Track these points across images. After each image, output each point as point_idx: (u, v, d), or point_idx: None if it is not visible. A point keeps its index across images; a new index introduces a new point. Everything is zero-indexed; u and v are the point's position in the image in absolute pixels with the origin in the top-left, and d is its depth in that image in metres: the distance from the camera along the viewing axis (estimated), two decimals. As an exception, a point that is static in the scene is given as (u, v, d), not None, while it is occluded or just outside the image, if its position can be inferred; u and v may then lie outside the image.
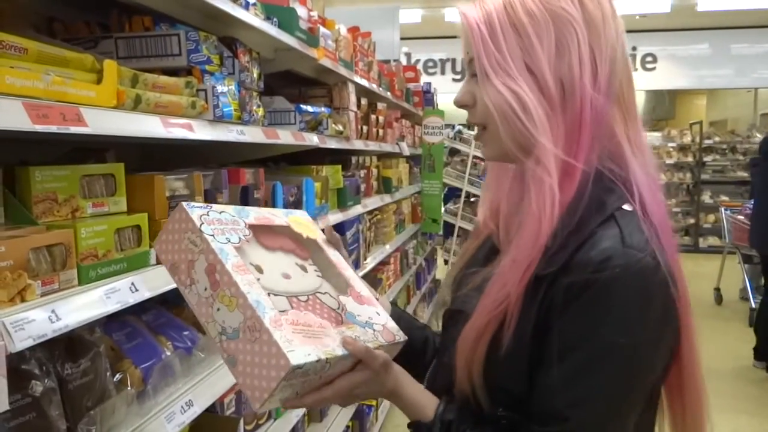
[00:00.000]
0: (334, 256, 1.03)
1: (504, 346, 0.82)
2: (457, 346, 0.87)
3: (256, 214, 0.98)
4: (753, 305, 5.81)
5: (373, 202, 3.29)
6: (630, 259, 0.78)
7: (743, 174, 9.94)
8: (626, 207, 0.84)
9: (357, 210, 2.89)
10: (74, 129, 1.00)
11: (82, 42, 1.46)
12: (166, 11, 1.61)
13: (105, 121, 1.11)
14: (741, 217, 6.04)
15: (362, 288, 1.01)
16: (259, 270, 0.89)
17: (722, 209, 6.52)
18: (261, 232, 0.96)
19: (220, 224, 0.89)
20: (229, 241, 0.87)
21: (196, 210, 0.89)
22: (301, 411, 2.16)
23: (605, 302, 0.78)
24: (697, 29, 10.89)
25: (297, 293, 0.90)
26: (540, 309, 0.81)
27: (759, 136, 8.03)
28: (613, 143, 0.88)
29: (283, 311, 0.84)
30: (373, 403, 3.36)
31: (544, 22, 0.84)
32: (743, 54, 11.07)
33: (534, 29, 0.84)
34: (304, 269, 0.97)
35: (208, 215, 0.90)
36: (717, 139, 10.57)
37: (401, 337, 0.96)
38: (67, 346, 1.17)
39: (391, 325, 0.97)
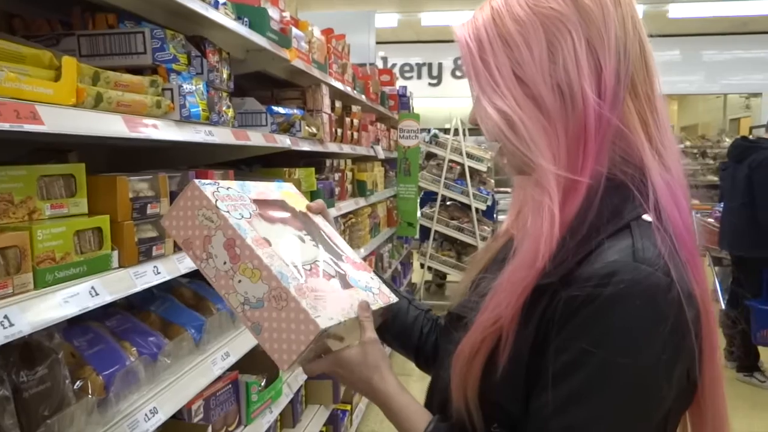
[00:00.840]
0: (325, 226, 1.11)
1: (500, 364, 0.77)
2: (452, 362, 0.82)
3: (255, 189, 1.03)
4: (723, 306, 5.90)
5: (347, 205, 3.26)
6: (638, 274, 0.70)
7: (713, 178, 10.10)
8: (646, 217, 0.77)
9: (331, 213, 2.86)
10: (29, 127, 0.97)
11: (43, 39, 1.42)
12: (131, 9, 1.57)
13: (63, 120, 1.07)
14: (711, 220, 6.13)
15: (354, 255, 1.08)
16: (268, 243, 0.92)
17: (693, 212, 6.61)
18: (261, 207, 1.00)
19: (231, 200, 0.94)
20: (242, 217, 0.92)
21: (207, 187, 0.93)
22: (273, 417, 2.12)
23: (607, 319, 0.70)
24: (668, 36, 11.07)
25: (303, 263, 0.94)
26: (540, 324, 0.76)
27: (728, 141, 8.18)
28: (628, 143, 0.79)
29: (302, 280, 0.89)
30: (347, 407, 3.33)
31: (533, 27, 0.78)
32: (713, 60, 11.29)
33: (522, 36, 0.78)
34: (302, 240, 1.01)
35: (218, 192, 0.94)
36: (688, 143, 10.75)
37: (394, 298, 1.06)
38: (24, 352, 1.12)
39: (384, 288, 1.05)
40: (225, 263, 0.88)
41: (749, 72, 11.18)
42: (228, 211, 0.90)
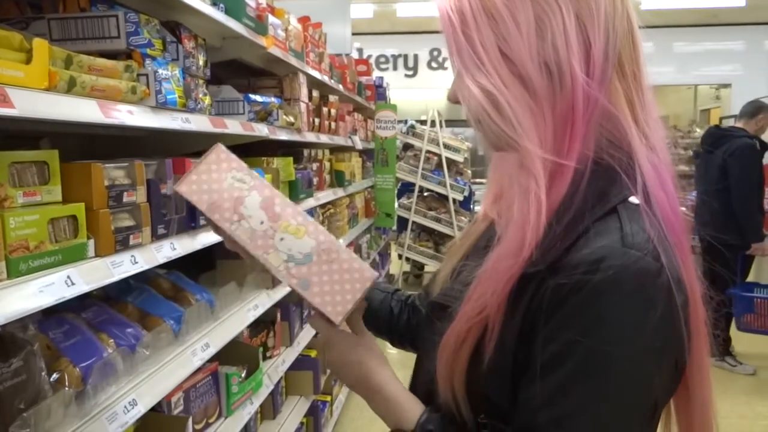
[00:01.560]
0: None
1: (486, 355, 0.74)
2: (438, 353, 0.79)
3: None
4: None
5: (325, 195, 3.24)
6: (627, 259, 0.68)
7: (685, 168, 10.27)
8: (633, 200, 0.75)
9: (309, 203, 2.84)
10: (-1, 110, 0.93)
11: (13, 23, 1.37)
12: (103, -8, 1.53)
13: (35, 104, 1.04)
14: (683, 209, 6.23)
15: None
16: None
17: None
18: None
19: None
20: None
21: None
22: (253, 409, 2.11)
23: (596, 308, 0.68)
24: (640, 27, 11.18)
25: None
26: (526, 313, 0.73)
27: (699, 131, 8.33)
28: (615, 125, 0.77)
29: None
30: (328, 398, 3.32)
31: (520, 0, 0.74)
32: (684, 52, 11.44)
33: (509, 10, 0.73)
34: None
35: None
36: (660, 134, 10.91)
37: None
38: (-3, 344, 1.09)
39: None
40: (262, 223, 0.87)
41: (719, 63, 11.36)
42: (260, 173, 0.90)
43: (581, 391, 0.69)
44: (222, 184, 0.88)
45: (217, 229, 0.90)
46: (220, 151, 0.90)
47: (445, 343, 0.78)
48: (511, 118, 0.74)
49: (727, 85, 11.62)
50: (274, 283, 2.26)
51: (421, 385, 0.91)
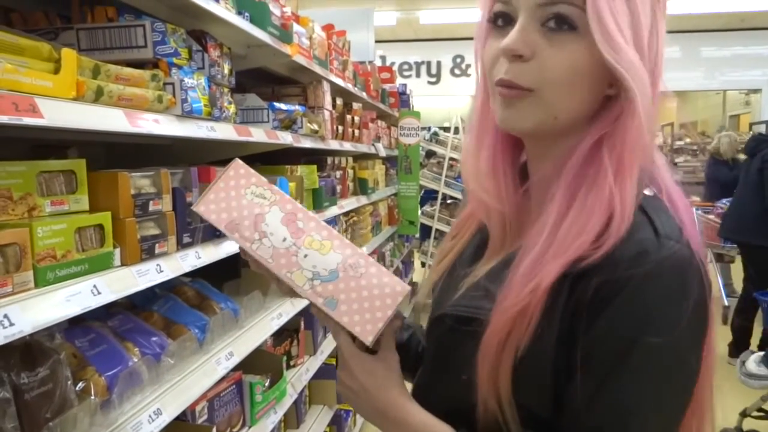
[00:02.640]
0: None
1: (524, 356, 0.72)
2: (478, 359, 0.74)
3: None
4: (726, 303, 5.88)
5: (349, 203, 3.23)
6: (666, 251, 0.68)
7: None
8: (647, 192, 0.75)
9: (333, 211, 2.83)
10: (28, 120, 0.94)
11: (42, 33, 1.38)
12: (130, 3, 1.54)
13: (63, 113, 1.04)
14: (712, 217, 6.12)
15: None
16: None
17: (693, 209, 6.61)
18: None
19: None
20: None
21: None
22: (277, 418, 2.09)
23: (643, 302, 0.67)
24: (667, 32, 11.04)
25: None
26: (564, 314, 0.70)
27: (715, 137, 8.16)
28: None
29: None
30: (351, 408, 3.29)
31: None
32: (712, 57, 11.27)
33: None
34: None
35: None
36: (688, 140, 10.75)
37: None
38: (24, 353, 1.09)
39: None
40: (285, 240, 0.82)
41: (748, 68, 11.16)
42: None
43: (638, 385, 0.68)
44: (241, 201, 0.83)
45: (242, 249, 0.86)
46: (239, 166, 0.85)
47: (487, 348, 0.74)
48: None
49: (757, 91, 11.40)
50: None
51: (439, 403, 0.84)
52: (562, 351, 0.71)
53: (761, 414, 3.32)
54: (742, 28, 10.89)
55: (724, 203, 6.00)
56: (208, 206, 0.84)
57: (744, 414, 3.37)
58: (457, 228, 0.97)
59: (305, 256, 0.81)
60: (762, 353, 3.20)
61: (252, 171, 0.85)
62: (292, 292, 0.87)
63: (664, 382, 0.69)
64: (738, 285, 5.94)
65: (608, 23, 0.69)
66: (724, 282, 6.25)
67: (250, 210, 0.83)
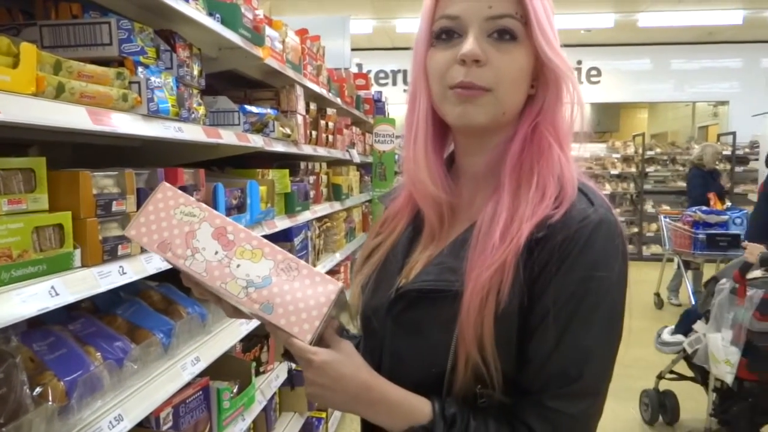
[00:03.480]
0: None
1: (501, 309, 0.82)
2: (461, 320, 0.82)
3: None
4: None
5: (322, 209, 3.22)
6: (601, 214, 0.84)
7: (683, 184, 10.29)
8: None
9: (305, 216, 2.81)
10: (-18, 114, 0.91)
11: (3, 29, 1.35)
12: (96, 0, 1.51)
13: (21, 109, 1.01)
14: (680, 224, 6.22)
15: None
16: None
17: (661, 217, 6.71)
18: None
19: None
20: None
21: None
22: (245, 425, 2.06)
23: (591, 249, 0.82)
24: (638, 44, 11.26)
25: None
26: (525, 276, 0.82)
27: (697, 148, 8.31)
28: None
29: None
30: (323, 415, 3.27)
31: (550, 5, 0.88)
32: (682, 69, 11.50)
33: (550, 5, 0.88)
34: None
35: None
36: (658, 150, 10.91)
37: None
38: (-23, 356, 1.06)
39: None
40: (217, 253, 0.84)
41: (716, 81, 11.42)
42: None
43: (598, 325, 0.82)
44: (171, 221, 0.86)
45: (182, 274, 0.88)
46: (166, 189, 0.87)
47: (469, 307, 0.82)
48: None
49: (724, 103, 11.67)
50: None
51: (403, 384, 0.88)
52: (522, 310, 0.82)
53: (674, 376, 3.89)
54: (710, 42, 11.15)
55: (692, 211, 6.10)
56: (139, 230, 0.86)
57: (660, 376, 3.94)
58: (381, 228, 1.05)
59: (238, 266, 0.83)
60: (674, 327, 3.85)
61: (179, 192, 0.87)
62: (235, 313, 0.91)
63: (610, 314, 0.83)
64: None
65: (547, 32, 0.85)
66: (694, 289, 6.36)
67: (180, 229, 0.85)
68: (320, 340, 0.85)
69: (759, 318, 3.08)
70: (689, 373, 3.77)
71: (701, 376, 3.62)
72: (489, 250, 0.83)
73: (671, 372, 3.89)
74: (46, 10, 1.42)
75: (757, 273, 3.22)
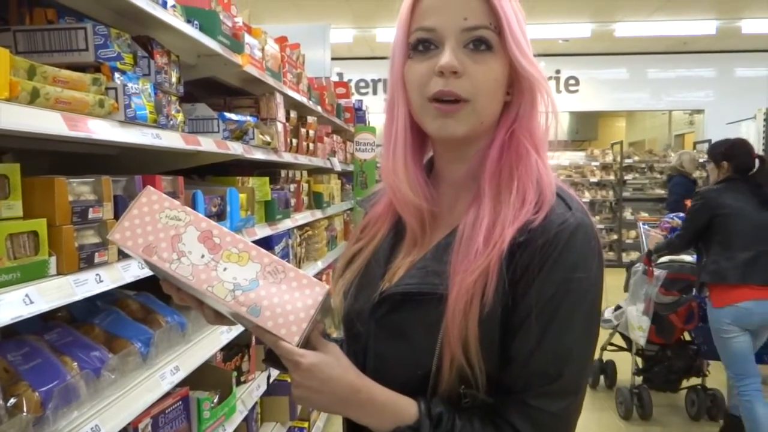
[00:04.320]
0: None
1: (485, 312, 0.83)
2: (446, 322, 0.84)
3: None
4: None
5: (303, 217, 3.20)
6: (577, 218, 0.86)
7: (660, 191, 10.43)
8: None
9: (286, 224, 2.80)
10: (-46, 119, 0.89)
11: (-24, 35, 1.33)
12: (72, 5, 1.50)
13: (-6, 114, 1.00)
14: (657, 231, 6.29)
15: None
16: None
17: (639, 224, 6.79)
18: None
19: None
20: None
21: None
22: (226, 435, 2.03)
23: (570, 251, 0.84)
24: (615, 54, 11.43)
25: None
26: (507, 278, 0.84)
27: (674, 156, 8.43)
28: None
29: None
30: (305, 425, 3.24)
31: (520, 10, 0.90)
32: (658, 78, 11.69)
33: (520, 12, 0.90)
34: None
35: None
36: (636, 158, 11.06)
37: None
38: (-52, 367, 1.03)
39: None
40: (203, 256, 0.83)
41: (691, 90, 11.63)
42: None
43: (577, 325, 0.84)
44: (156, 225, 0.85)
45: (158, 272, 0.88)
46: (150, 193, 0.87)
47: (454, 311, 0.83)
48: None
49: (700, 111, 11.87)
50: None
51: (389, 386, 0.89)
52: (505, 312, 0.84)
53: (613, 348, 4.57)
54: (685, 51, 11.35)
55: (670, 218, 6.17)
56: (124, 234, 0.85)
57: (603, 348, 4.61)
58: (361, 233, 1.06)
59: (224, 269, 0.83)
60: (614, 307, 4.47)
61: (164, 196, 0.87)
62: (217, 319, 0.91)
63: (588, 314, 0.86)
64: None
65: (520, 42, 0.87)
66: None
67: (166, 233, 0.84)
68: (306, 343, 0.85)
69: (663, 293, 3.93)
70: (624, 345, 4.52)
71: (627, 343, 4.38)
72: (473, 254, 0.85)
73: (611, 344, 4.59)
74: (21, 16, 1.40)
75: (664, 258, 4.07)
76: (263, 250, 0.84)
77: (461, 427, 0.84)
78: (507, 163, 0.90)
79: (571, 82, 11.65)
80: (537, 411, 0.84)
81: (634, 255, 10.20)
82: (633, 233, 10.14)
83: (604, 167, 10.99)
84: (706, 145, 10.47)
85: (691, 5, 8.90)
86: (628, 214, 10.50)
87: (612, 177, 10.83)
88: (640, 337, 4.02)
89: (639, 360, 4.21)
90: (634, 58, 11.50)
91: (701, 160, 8.02)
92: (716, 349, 3.50)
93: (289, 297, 0.82)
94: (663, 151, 11.52)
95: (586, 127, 14.89)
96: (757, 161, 3.51)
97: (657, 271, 3.95)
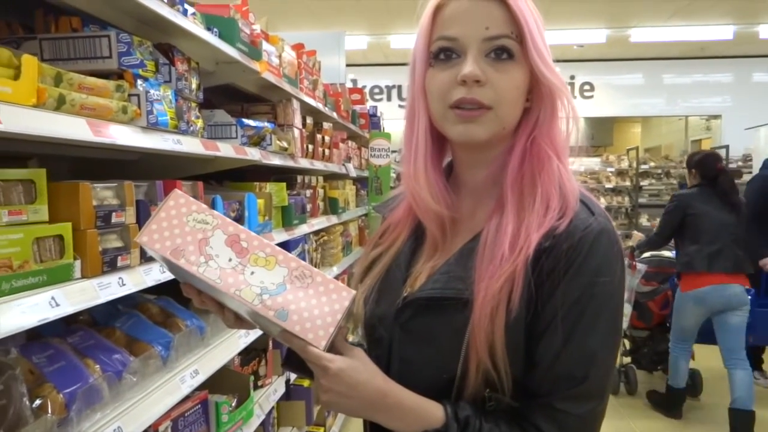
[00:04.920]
0: None
1: (511, 318, 0.84)
2: (472, 328, 0.85)
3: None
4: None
5: (319, 222, 3.22)
6: (600, 223, 0.87)
7: (677, 197, 10.34)
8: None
9: (303, 229, 2.81)
10: (-16, 124, 0.91)
11: (4, 43, 1.36)
12: (96, 14, 1.53)
13: (22, 120, 1.02)
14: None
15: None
16: None
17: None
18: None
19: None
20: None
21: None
22: (244, 439, 2.05)
23: (594, 256, 0.85)
24: (631, 59, 11.37)
25: None
26: (531, 283, 0.85)
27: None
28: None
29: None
30: (321, 429, 3.24)
31: (540, 18, 0.91)
32: (674, 83, 11.59)
33: (540, 20, 0.91)
34: None
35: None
36: (652, 164, 10.97)
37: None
38: (-24, 368, 1.05)
39: None
40: (231, 260, 0.84)
41: (708, 95, 11.52)
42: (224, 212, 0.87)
43: (601, 328, 0.85)
44: (184, 228, 0.85)
45: (182, 276, 0.88)
46: (178, 196, 0.87)
47: (480, 316, 0.84)
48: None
49: (717, 116, 11.76)
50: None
51: (415, 389, 0.90)
52: (530, 316, 0.85)
53: None
54: (702, 57, 11.26)
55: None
56: (151, 236, 0.85)
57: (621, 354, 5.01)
58: (380, 239, 1.07)
59: (252, 273, 0.83)
60: None
61: (192, 199, 0.87)
62: (237, 323, 0.92)
63: (612, 317, 0.87)
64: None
65: (542, 50, 0.89)
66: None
67: (193, 236, 0.85)
68: (331, 348, 0.85)
69: (643, 284, 4.62)
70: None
71: None
72: (498, 260, 0.86)
73: None
74: (46, 24, 1.43)
75: (647, 254, 4.69)
76: (290, 255, 0.85)
77: (488, 430, 0.85)
78: (529, 170, 0.91)
79: (586, 87, 11.59)
80: (563, 414, 0.85)
81: (650, 261, 10.13)
82: (649, 239, 10.04)
83: (620, 173, 10.91)
84: (723, 151, 10.39)
85: (708, 10, 8.84)
86: (644, 221, 10.40)
87: (627, 183, 10.75)
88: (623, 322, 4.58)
89: (627, 342, 4.87)
90: (650, 63, 11.42)
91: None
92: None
93: (316, 302, 0.82)
94: (680, 156, 11.41)
95: (602, 133, 14.79)
96: (720, 173, 4.15)
97: (639, 265, 4.63)
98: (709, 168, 4.17)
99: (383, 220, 1.11)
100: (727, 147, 10.38)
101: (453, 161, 1.02)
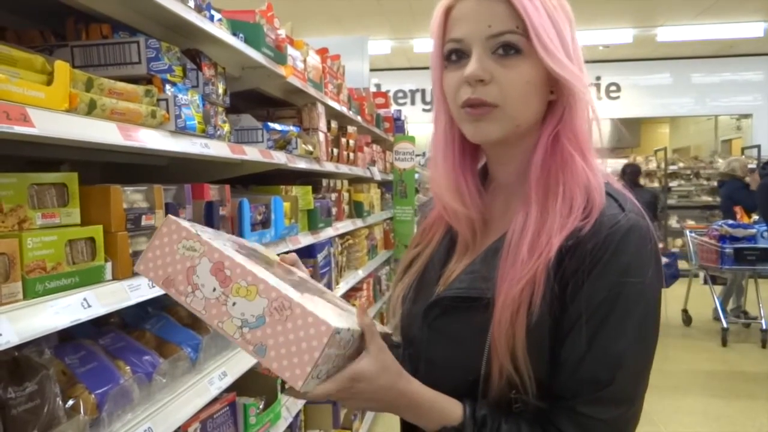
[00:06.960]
0: (303, 274, 1.03)
1: (532, 321, 0.83)
2: (493, 329, 0.84)
3: (229, 236, 1.00)
4: (725, 325, 5.87)
5: (344, 225, 3.23)
6: (630, 219, 0.84)
7: (708, 198, 10.15)
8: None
9: (328, 233, 2.82)
10: (19, 129, 0.93)
11: (37, 50, 1.39)
12: (125, 21, 1.55)
13: (55, 124, 1.04)
14: (706, 238, 6.13)
15: (336, 296, 1.03)
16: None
17: (687, 232, 6.64)
18: (239, 246, 0.94)
19: (209, 234, 0.89)
20: (225, 245, 0.86)
21: (184, 222, 0.87)
22: (272, 441, 2.05)
23: (622, 254, 0.82)
24: (658, 59, 11.21)
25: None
26: (555, 284, 0.83)
27: (721, 161, 8.21)
28: None
29: (299, 294, 0.82)
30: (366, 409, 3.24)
31: (563, 11, 0.89)
32: (702, 83, 11.40)
33: (562, 13, 0.89)
34: (283, 279, 0.93)
35: (195, 227, 0.88)
36: (681, 165, 10.79)
37: (388, 329, 1.00)
38: (12, 367, 1.07)
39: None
40: (215, 290, 0.81)
41: (738, 94, 11.30)
42: (210, 239, 0.84)
43: (629, 329, 0.82)
44: (174, 257, 0.83)
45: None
46: (170, 222, 0.85)
47: (501, 318, 0.83)
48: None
49: (747, 116, 11.52)
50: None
51: (440, 388, 0.90)
52: (553, 318, 0.83)
53: None
54: (731, 55, 11.05)
55: (719, 225, 6.00)
56: (147, 265, 0.84)
57: None
58: (419, 238, 1.07)
59: (234, 304, 0.80)
60: None
61: (183, 225, 0.85)
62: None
63: (643, 320, 0.83)
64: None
65: (547, 44, 0.85)
66: (723, 305, 6.24)
67: (182, 264, 0.83)
68: (358, 350, 0.83)
69: None
70: None
71: None
72: (518, 263, 0.84)
73: None
74: (77, 32, 1.46)
75: None
76: (272, 282, 0.80)
77: (507, 431, 0.84)
78: (553, 168, 0.89)
79: (612, 88, 11.46)
80: (586, 418, 0.83)
81: (680, 264, 9.93)
82: (679, 241, 9.86)
83: (648, 174, 10.75)
84: (754, 151, 10.17)
85: (736, 8, 8.68)
86: (673, 222, 10.23)
87: (656, 184, 10.58)
88: None
89: None
90: (678, 62, 11.25)
91: (750, 166, 7.82)
92: None
93: (294, 337, 0.76)
94: (709, 157, 11.21)
95: (628, 134, 14.60)
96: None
97: None
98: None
99: (423, 219, 1.12)
100: (758, 147, 10.17)
101: (486, 159, 1.02)
